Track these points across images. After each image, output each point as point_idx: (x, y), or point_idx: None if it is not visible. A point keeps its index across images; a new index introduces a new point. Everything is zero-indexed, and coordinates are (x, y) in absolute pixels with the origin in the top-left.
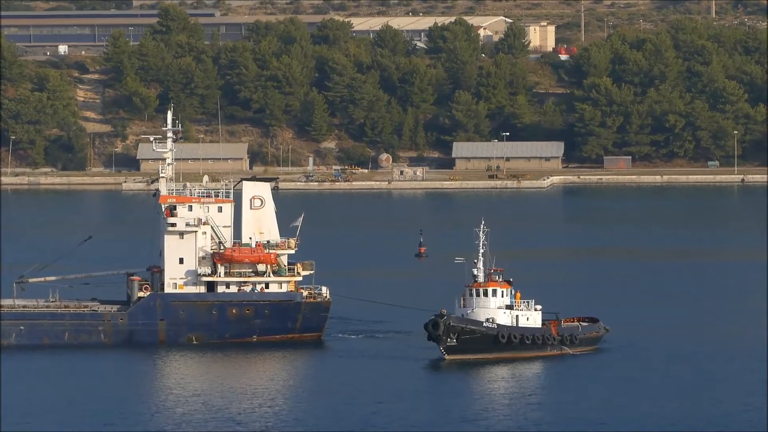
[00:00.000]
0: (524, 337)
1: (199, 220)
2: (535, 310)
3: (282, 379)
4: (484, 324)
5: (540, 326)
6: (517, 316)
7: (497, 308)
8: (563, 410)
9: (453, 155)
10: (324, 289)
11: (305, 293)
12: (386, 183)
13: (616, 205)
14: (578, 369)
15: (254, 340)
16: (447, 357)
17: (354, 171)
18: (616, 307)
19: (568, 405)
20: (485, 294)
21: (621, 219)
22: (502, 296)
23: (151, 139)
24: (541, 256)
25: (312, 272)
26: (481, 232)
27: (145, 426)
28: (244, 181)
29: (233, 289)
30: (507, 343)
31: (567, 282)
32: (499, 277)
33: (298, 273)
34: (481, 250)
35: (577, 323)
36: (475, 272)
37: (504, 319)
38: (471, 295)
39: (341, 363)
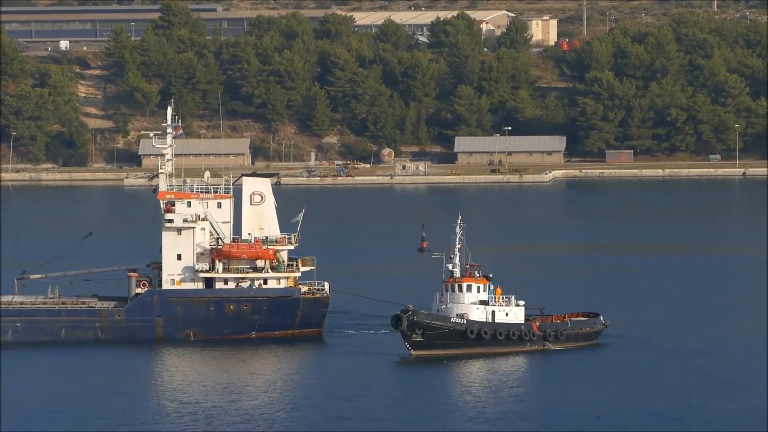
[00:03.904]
0: (497, 332)
1: (198, 216)
2: (517, 305)
3: (270, 375)
4: (452, 319)
5: (520, 322)
6: (493, 311)
7: (471, 304)
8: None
9: (455, 150)
10: (326, 285)
11: (304, 289)
12: (388, 178)
13: (618, 199)
14: (550, 365)
15: (253, 336)
16: (413, 352)
17: (356, 166)
18: (619, 303)
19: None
20: (459, 289)
21: (623, 213)
22: (478, 292)
23: (151, 135)
24: (542, 251)
25: (313, 268)
26: (457, 228)
27: (139, 423)
28: (243, 177)
29: (231, 285)
30: (477, 338)
31: (568, 277)
32: (477, 273)
33: (298, 269)
34: (458, 246)
35: (567, 319)
36: (451, 267)
37: (477, 314)
38: (446, 290)
39: (329, 359)
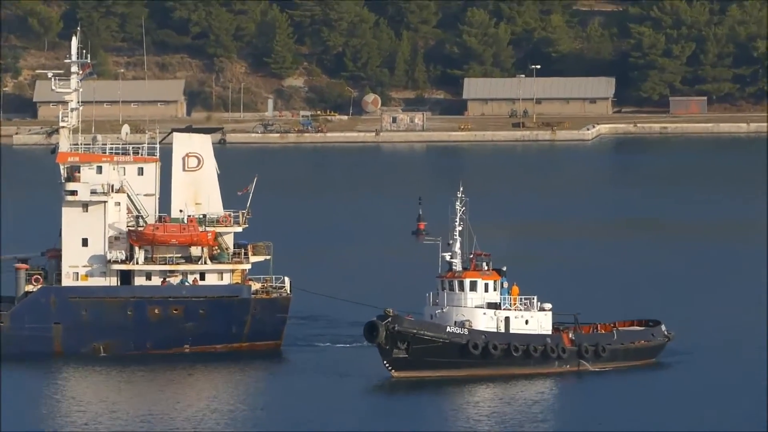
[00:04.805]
0: (512, 347)
1: (111, 186)
2: (542, 310)
3: (207, 405)
4: (449, 329)
5: (545, 333)
6: (507, 318)
7: (476, 307)
8: None
9: (464, 96)
10: (286, 281)
11: (256, 287)
12: (373, 134)
13: (685, 162)
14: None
15: (186, 350)
16: (394, 374)
17: (329, 118)
18: (689, 306)
19: None
20: (460, 287)
21: (692, 182)
22: (486, 290)
23: (50, 75)
24: (578, 234)
25: (269, 257)
26: (458, 202)
27: None
28: (175, 133)
29: (156, 281)
30: (484, 355)
31: (615, 270)
32: (485, 265)
33: (247, 259)
34: (458, 228)
35: (614, 329)
36: (449, 258)
37: (485, 322)
38: (443, 288)
39: (288, 382)
